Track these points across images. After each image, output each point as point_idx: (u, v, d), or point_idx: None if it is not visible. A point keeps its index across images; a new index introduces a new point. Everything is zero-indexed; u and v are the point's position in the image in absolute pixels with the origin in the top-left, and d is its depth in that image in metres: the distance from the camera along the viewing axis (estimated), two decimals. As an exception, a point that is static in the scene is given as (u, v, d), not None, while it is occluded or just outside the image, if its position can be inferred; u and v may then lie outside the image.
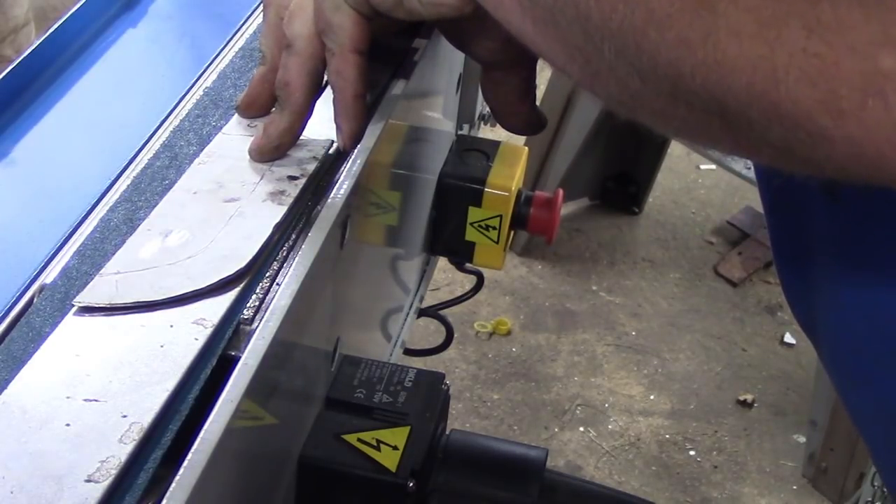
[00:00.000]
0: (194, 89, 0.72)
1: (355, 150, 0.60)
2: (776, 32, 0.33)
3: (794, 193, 0.56)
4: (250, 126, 0.63)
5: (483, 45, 0.58)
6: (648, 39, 0.37)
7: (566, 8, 0.41)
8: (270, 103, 0.62)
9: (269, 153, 0.59)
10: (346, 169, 0.59)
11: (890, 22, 0.31)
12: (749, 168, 2.33)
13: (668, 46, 0.36)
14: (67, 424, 0.43)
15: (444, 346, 0.96)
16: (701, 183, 3.00)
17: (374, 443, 0.57)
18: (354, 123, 0.58)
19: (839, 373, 0.58)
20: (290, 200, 0.57)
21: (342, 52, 0.56)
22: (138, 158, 0.65)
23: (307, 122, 0.60)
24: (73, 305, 0.50)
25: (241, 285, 0.51)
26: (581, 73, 0.43)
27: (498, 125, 0.68)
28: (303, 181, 0.58)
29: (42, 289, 0.53)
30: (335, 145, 0.62)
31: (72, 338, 0.48)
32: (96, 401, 0.44)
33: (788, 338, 2.53)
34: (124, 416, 0.43)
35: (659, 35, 0.36)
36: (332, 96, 0.58)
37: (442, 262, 0.96)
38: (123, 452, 0.42)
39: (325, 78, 0.59)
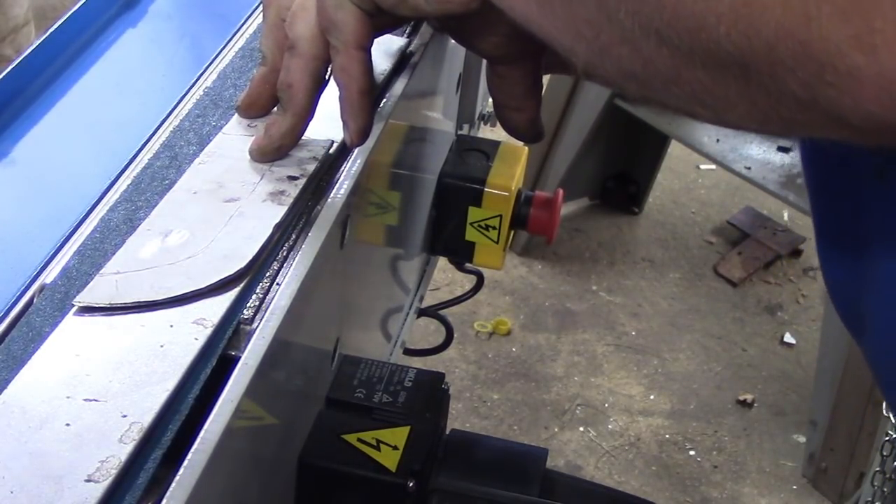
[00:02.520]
0: (194, 89, 0.72)
1: (355, 150, 0.60)
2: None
3: (840, 174, 0.56)
4: (250, 126, 0.63)
5: (488, 40, 0.58)
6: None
7: None
8: (271, 104, 0.62)
9: (271, 154, 0.59)
10: (346, 169, 0.59)
11: None
12: (749, 168, 2.33)
13: (706, 6, 0.35)
14: (67, 424, 0.43)
15: (444, 346, 0.96)
16: (701, 183, 3.00)
17: (374, 443, 0.57)
18: (361, 120, 0.58)
19: (888, 365, 0.57)
20: (290, 200, 0.57)
21: (346, 49, 0.56)
22: (138, 158, 0.65)
23: (309, 123, 0.60)
24: (73, 305, 0.50)
25: (241, 285, 0.51)
26: (588, 50, 0.43)
27: (498, 125, 0.68)
28: (303, 181, 0.58)
29: (42, 289, 0.53)
30: (335, 145, 0.62)
31: (72, 338, 0.48)
32: (96, 401, 0.44)
33: (788, 338, 2.53)
34: (124, 416, 0.43)
35: None
36: (335, 95, 0.58)
37: (442, 262, 0.96)
38: (123, 452, 0.42)
39: (328, 77, 0.59)
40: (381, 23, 0.57)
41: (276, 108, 0.60)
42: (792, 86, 0.35)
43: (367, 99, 0.58)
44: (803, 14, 0.33)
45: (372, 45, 0.57)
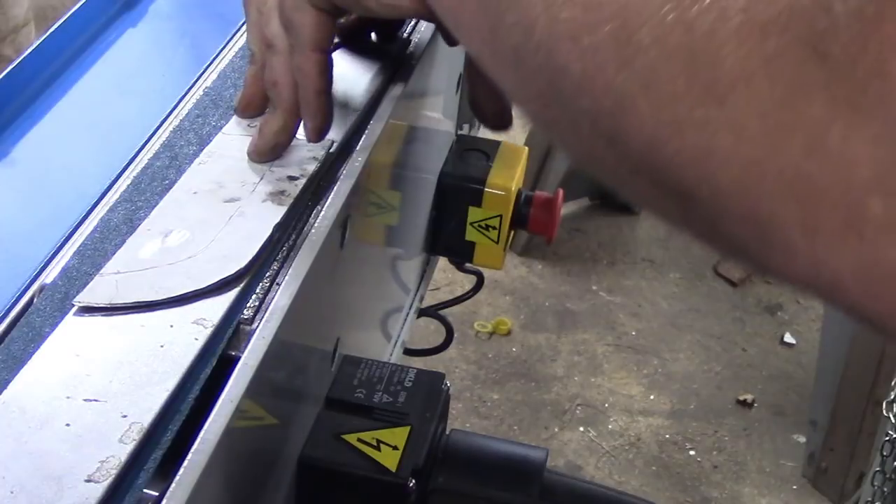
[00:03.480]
0: (194, 89, 0.72)
1: (356, 150, 0.60)
2: (777, 141, 0.32)
3: None
4: (250, 126, 0.63)
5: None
6: (636, 111, 0.35)
7: (536, 54, 0.39)
8: (266, 102, 0.62)
9: (268, 154, 0.59)
10: (346, 169, 0.59)
11: (889, 170, 0.30)
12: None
13: (658, 123, 0.34)
14: (67, 424, 0.43)
15: (444, 346, 0.96)
16: (701, 183, 2.99)
17: (374, 443, 0.57)
18: (318, 120, 0.59)
19: None
20: (290, 200, 0.57)
21: (302, 49, 0.57)
22: (138, 158, 0.65)
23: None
24: (73, 305, 0.50)
25: (241, 285, 0.51)
26: (535, 118, 0.42)
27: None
28: (303, 181, 0.58)
29: (42, 289, 0.53)
30: (335, 145, 0.62)
31: (72, 338, 0.48)
32: (96, 401, 0.44)
33: (788, 338, 2.53)
34: (124, 416, 0.43)
35: (651, 109, 0.34)
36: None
37: (442, 262, 0.96)
38: (123, 452, 0.42)
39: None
40: (350, 23, 0.57)
41: (268, 107, 0.60)
42: (728, 233, 0.35)
43: (322, 99, 0.58)
44: (758, 183, 0.32)
45: (331, 45, 0.57)
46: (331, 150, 0.61)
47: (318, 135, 0.59)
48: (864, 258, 0.31)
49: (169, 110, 0.69)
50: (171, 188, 0.58)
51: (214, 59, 0.75)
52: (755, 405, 2.36)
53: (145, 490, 0.42)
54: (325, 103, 0.59)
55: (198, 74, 0.74)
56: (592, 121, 0.37)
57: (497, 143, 0.85)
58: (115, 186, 0.61)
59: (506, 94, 0.44)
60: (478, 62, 0.45)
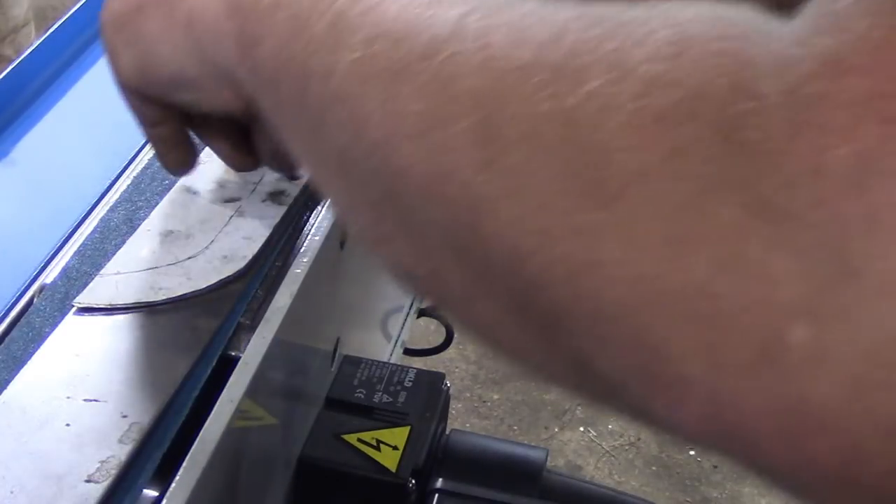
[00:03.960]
0: (194, 89, 0.72)
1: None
2: (677, 253, 0.26)
3: None
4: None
5: None
6: (496, 218, 0.29)
7: (369, 157, 0.33)
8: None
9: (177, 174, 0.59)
10: (346, 169, 0.59)
11: (819, 290, 0.24)
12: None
13: (524, 231, 0.28)
14: (67, 424, 0.43)
15: (444, 346, 0.96)
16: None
17: (374, 443, 0.57)
18: (171, 172, 0.58)
19: None
20: (290, 200, 0.57)
21: (142, 127, 0.55)
22: (138, 158, 0.65)
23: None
24: (73, 305, 0.50)
25: (241, 285, 0.51)
26: (369, 232, 0.36)
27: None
28: (303, 181, 0.58)
29: (42, 289, 0.53)
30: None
31: (72, 338, 0.48)
32: (96, 401, 0.44)
33: (788, 338, 2.53)
34: (124, 416, 0.43)
35: (515, 216, 0.28)
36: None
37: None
38: (123, 452, 0.42)
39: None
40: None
41: None
42: (602, 366, 0.29)
43: (166, 162, 0.57)
44: (652, 303, 0.26)
45: (165, 119, 0.55)
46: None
47: (178, 175, 0.59)
48: (778, 400, 0.25)
49: (169, 110, 0.69)
50: (171, 188, 0.58)
51: (214, 59, 0.75)
52: (755, 405, 2.36)
53: (145, 490, 0.42)
54: (172, 162, 0.57)
55: (198, 74, 0.74)
56: (440, 234, 0.31)
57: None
58: (115, 186, 0.61)
59: (334, 207, 0.38)
60: (306, 168, 0.40)
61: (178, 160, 0.57)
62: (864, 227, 0.24)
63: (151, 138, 0.56)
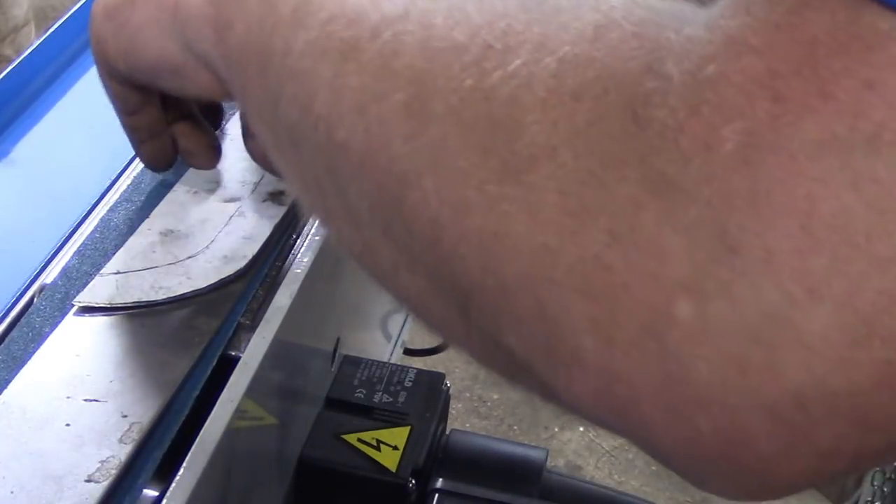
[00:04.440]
0: (194, 89, 0.72)
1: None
2: (576, 225, 0.26)
3: None
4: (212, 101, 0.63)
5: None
6: (420, 188, 0.30)
7: (315, 130, 0.34)
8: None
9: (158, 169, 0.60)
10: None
11: (702, 266, 0.24)
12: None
13: (443, 202, 0.29)
14: (67, 424, 0.43)
15: (444, 346, 0.96)
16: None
17: (374, 443, 0.57)
18: (148, 164, 0.59)
19: None
20: (289, 201, 0.57)
21: (118, 113, 0.57)
22: (138, 158, 0.65)
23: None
24: (73, 305, 0.50)
25: (241, 285, 0.51)
26: (312, 208, 0.38)
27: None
28: (264, 147, 0.58)
29: (42, 289, 0.53)
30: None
31: (72, 338, 0.48)
32: (96, 401, 0.44)
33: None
34: (124, 416, 0.43)
35: (436, 187, 0.29)
36: None
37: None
38: (123, 452, 0.42)
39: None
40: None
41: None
42: (510, 342, 0.29)
43: (142, 153, 0.58)
44: (549, 274, 0.27)
45: (140, 107, 0.56)
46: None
47: (156, 170, 0.59)
48: (663, 375, 0.26)
49: (169, 110, 0.69)
50: (171, 188, 0.58)
51: (214, 59, 0.75)
52: (755, 405, 2.36)
53: (145, 490, 0.42)
54: (148, 155, 0.58)
55: (198, 74, 0.74)
56: (370, 206, 0.32)
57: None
58: (115, 186, 0.61)
59: (291, 185, 0.40)
60: (267, 148, 0.41)
61: (154, 152, 0.58)
62: (747, 202, 0.24)
63: (128, 127, 0.57)
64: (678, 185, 0.25)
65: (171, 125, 0.58)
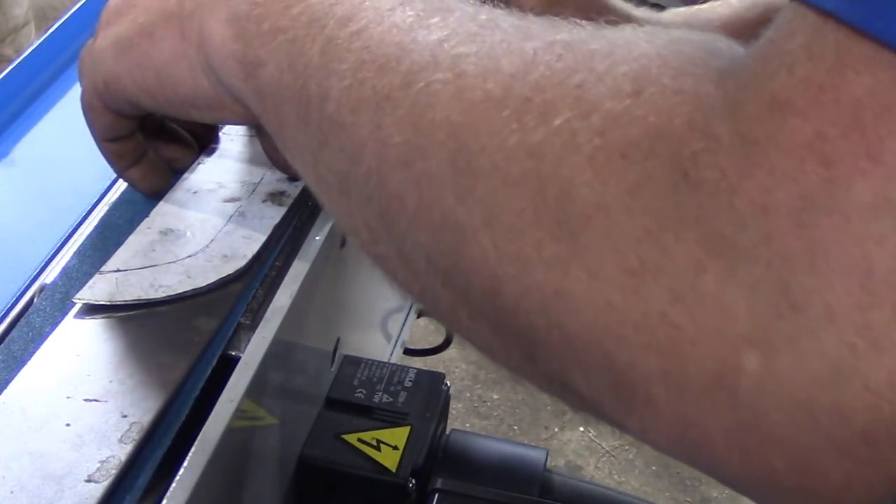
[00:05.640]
0: (194, 89, 0.71)
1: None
2: (638, 284, 0.27)
3: None
4: (250, 126, 0.63)
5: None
6: (478, 246, 0.30)
7: (367, 182, 0.34)
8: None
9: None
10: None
11: (766, 322, 0.26)
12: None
13: (501, 259, 0.30)
14: (67, 424, 0.43)
15: (444, 346, 0.96)
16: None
17: (374, 443, 0.57)
18: (139, 186, 0.59)
19: None
20: (290, 201, 0.57)
21: (97, 140, 0.57)
22: (138, 158, 0.64)
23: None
24: (73, 304, 0.50)
25: (241, 285, 0.51)
26: (364, 248, 0.38)
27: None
28: (303, 182, 0.58)
29: (42, 289, 0.53)
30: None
31: (72, 338, 0.48)
32: (96, 401, 0.44)
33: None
34: (124, 416, 0.43)
35: (494, 245, 0.30)
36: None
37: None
38: (123, 452, 0.42)
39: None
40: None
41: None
42: (579, 386, 0.30)
43: (135, 178, 0.58)
44: (617, 331, 0.28)
45: (121, 133, 0.56)
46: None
47: (146, 193, 0.59)
48: (736, 421, 0.27)
49: (169, 110, 0.69)
50: (171, 188, 0.58)
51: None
52: (755, 405, 2.36)
53: (145, 490, 0.42)
54: (138, 175, 0.58)
55: (198, 74, 0.74)
56: (428, 257, 0.33)
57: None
58: (115, 186, 0.61)
59: (338, 222, 0.40)
60: (309, 184, 0.42)
61: (145, 173, 0.58)
62: (806, 263, 0.25)
63: (113, 154, 0.57)
64: (737, 245, 0.26)
65: (150, 142, 0.58)
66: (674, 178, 0.27)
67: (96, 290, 0.50)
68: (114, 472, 0.41)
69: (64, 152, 0.69)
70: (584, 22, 0.32)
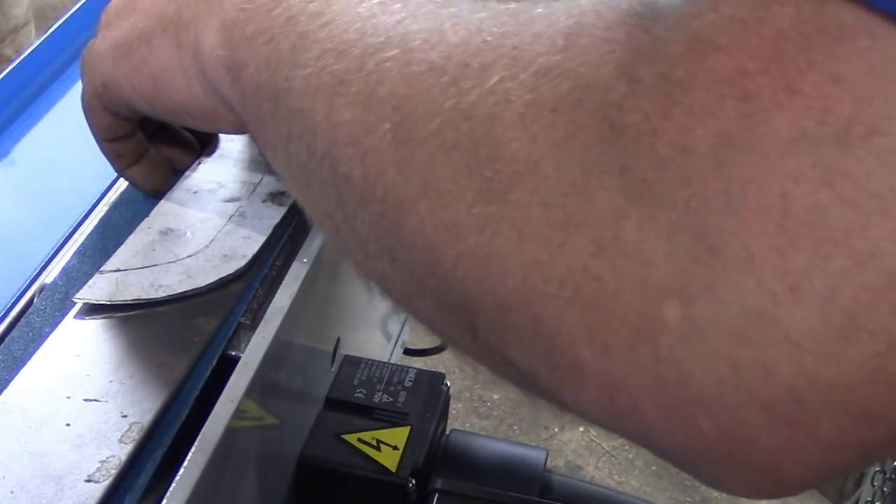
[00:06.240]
0: (194, 89, 0.71)
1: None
2: (563, 238, 0.26)
3: None
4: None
5: None
6: (415, 214, 0.30)
7: (321, 166, 0.35)
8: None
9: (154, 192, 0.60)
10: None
11: (685, 269, 0.24)
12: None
13: (437, 226, 0.29)
14: (67, 424, 0.43)
15: (444, 346, 0.96)
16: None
17: (374, 443, 0.57)
18: (141, 186, 0.59)
19: None
20: (289, 201, 0.57)
21: (98, 141, 0.57)
22: (138, 158, 0.64)
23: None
24: (73, 304, 0.50)
25: (241, 285, 0.51)
26: (330, 240, 0.38)
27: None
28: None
29: (42, 289, 0.53)
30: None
31: (72, 338, 0.48)
32: (96, 401, 0.44)
33: (788, 338, 2.52)
34: (124, 416, 0.43)
35: (430, 211, 0.30)
36: None
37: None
38: (123, 452, 0.42)
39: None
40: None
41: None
42: (516, 357, 0.30)
43: (136, 177, 0.58)
44: (542, 289, 0.27)
45: (121, 134, 0.56)
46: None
47: (152, 194, 0.59)
48: (660, 379, 0.26)
49: (169, 110, 0.69)
50: (171, 188, 0.58)
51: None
52: (755, 405, 2.36)
53: (145, 490, 0.42)
54: (133, 178, 0.58)
55: (198, 74, 0.74)
56: (376, 236, 0.33)
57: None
58: (115, 186, 0.61)
59: (310, 218, 0.40)
60: (287, 183, 0.42)
61: (145, 172, 0.58)
62: (723, 203, 0.24)
63: (113, 153, 0.57)
64: (657, 190, 0.25)
65: (150, 141, 0.58)
66: (601, 127, 0.26)
67: (96, 289, 0.50)
68: (114, 472, 0.41)
69: (64, 152, 0.69)
70: None
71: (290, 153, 0.37)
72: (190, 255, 0.52)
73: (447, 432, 0.63)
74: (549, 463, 0.62)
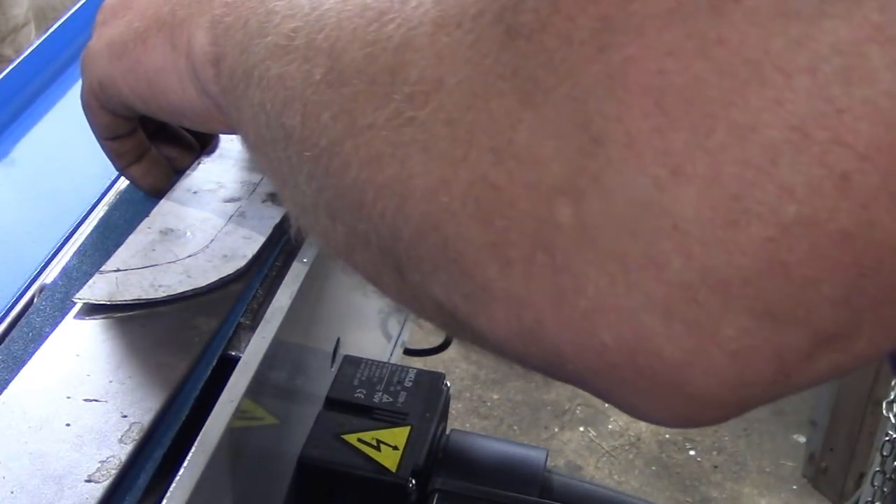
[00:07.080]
0: (194, 89, 0.71)
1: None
2: (464, 151, 0.25)
3: None
4: None
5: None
6: (342, 153, 0.30)
7: (276, 131, 0.35)
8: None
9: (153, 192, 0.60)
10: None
11: (572, 163, 0.23)
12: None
13: (360, 162, 0.29)
14: (67, 424, 0.43)
15: (444, 346, 0.96)
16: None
17: (374, 443, 0.57)
18: (141, 185, 0.59)
19: None
20: (290, 200, 0.57)
21: (98, 139, 0.57)
22: (138, 158, 0.64)
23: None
24: (73, 304, 0.50)
25: (241, 285, 0.51)
26: (288, 207, 0.38)
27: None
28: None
29: (42, 289, 0.53)
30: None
31: (72, 338, 0.48)
32: (96, 401, 0.44)
33: (788, 338, 2.52)
34: (124, 416, 0.43)
35: (354, 148, 0.29)
36: None
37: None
38: (123, 452, 0.42)
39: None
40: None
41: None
42: (434, 289, 0.28)
43: (137, 176, 0.59)
44: (447, 208, 0.26)
45: (121, 132, 0.57)
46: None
47: (152, 193, 0.59)
48: (559, 288, 0.24)
49: (169, 110, 0.69)
50: (171, 188, 0.58)
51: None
52: (755, 405, 2.36)
53: (145, 490, 0.42)
54: (134, 176, 0.59)
55: (198, 74, 0.74)
56: (317, 190, 0.32)
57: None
58: (115, 186, 0.62)
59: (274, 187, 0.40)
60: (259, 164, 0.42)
61: (145, 171, 0.58)
62: (605, 89, 0.23)
63: (114, 152, 0.57)
64: (545, 87, 0.24)
65: (150, 140, 0.59)
66: (499, 32, 0.25)
67: (96, 289, 0.50)
68: (114, 472, 0.41)
69: (64, 152, 0.69)
70: None
71: (259, 132, 0.37)
72: (190, 255, 0.52)
73: (447, 432, 0.63)
74: (549, 463, 0.62)
